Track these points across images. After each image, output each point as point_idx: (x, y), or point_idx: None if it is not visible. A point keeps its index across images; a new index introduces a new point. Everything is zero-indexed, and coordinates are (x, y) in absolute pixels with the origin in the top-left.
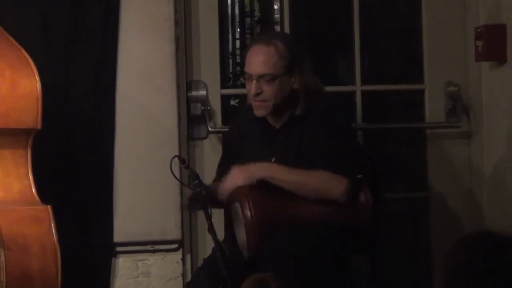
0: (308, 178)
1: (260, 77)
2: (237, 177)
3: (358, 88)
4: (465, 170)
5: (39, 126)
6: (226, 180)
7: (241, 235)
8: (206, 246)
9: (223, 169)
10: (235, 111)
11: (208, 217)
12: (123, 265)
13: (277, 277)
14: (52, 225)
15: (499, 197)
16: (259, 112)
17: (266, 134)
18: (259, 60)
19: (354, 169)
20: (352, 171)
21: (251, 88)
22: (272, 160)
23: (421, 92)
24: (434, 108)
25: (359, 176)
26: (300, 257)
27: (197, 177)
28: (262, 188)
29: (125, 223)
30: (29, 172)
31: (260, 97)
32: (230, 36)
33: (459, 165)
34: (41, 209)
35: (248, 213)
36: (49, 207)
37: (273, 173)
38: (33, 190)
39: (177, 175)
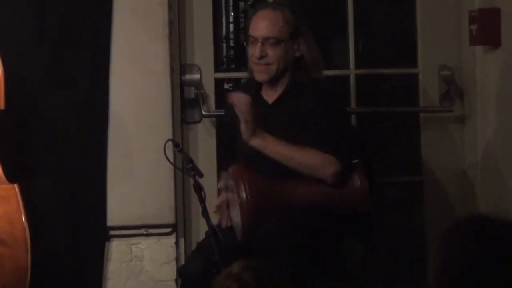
0: (301, 154)
1: (265, 39)
2: (247, 120)
3: (351, 72)
4: (458, 154)
5: (2, 107)
6: (246, 105)
7: (236, 216)
8: (200, 230)
9: (225, 155)
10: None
11: (202, 201)
12: (116, 249)
13: (249, 269)
14: (20, 203)
15: (492, 180)
16: (261, 76)
17: (261, 111)
18: (265, 23)
19: (347, 152)
20: (344, 154)
21: (255, 51)
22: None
23: (415, 76)
24: (427, 92)
25: (355, 160)
26: (292, 241)
27: (191, 161)
28: (257, 170)
29: (119, 207)
30: None
31: (264, 60)
32: (223, 20)
33: (452, 149)
34: (7, 188)
35: (244, 195)
36: (16, 185)
37: (267, 144)
38: None
39: (171, 159)
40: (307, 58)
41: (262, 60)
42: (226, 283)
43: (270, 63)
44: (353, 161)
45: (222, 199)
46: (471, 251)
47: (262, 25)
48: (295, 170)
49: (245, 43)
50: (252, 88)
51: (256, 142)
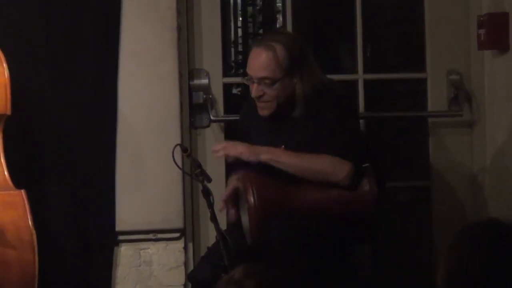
0: (311, 161)
1: (260, 79)
2: (243, 150)
3: (360, 76)
4: (467, 159)
5: (8, 112)
6: (230, 145)
7: (246, 220)
8: (208, 235)
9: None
10: (238, 100)
11: (210, 205)
12: (125, 253)
13: (252, 275)
14: (27, 209)
15: (501, 185)
16: (262, 113)
17: (274, 121)
18: (258, 63)
19: (358, 154)
20: (356, 156)
21: (253, 90)
22: (282, 147)
23: (423, 80)
24: (436, 97)
25: (366, 165)
26: (301, 246)
27: (199, 166)
28: (266, 175)
29: (127, 212)
30: (1, 157)
31: (263, 98)
32: (232, 25)
33: (461, 154)
34: (14, 194)
35: (252, 200)
36: (22, 191)
37: (277, 157)
38: (6, 175)
39: (179, 164)
40: (299, 94)
41: (261, 99)
42: None
43: (269, 100)
44: (363, 166)
45: (228, 193)
46: (482, 256)
47: (256, 65)
48: (308, 178)
49: (246, 78)
50: None
51: (265, 158)
